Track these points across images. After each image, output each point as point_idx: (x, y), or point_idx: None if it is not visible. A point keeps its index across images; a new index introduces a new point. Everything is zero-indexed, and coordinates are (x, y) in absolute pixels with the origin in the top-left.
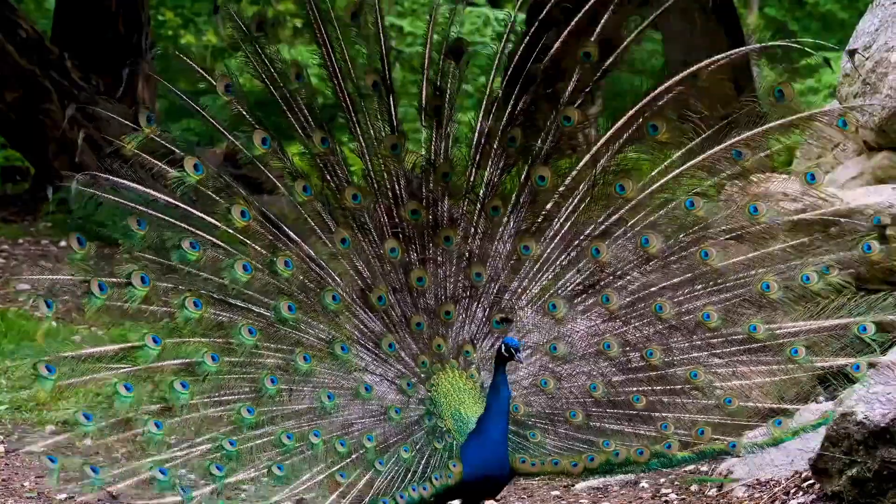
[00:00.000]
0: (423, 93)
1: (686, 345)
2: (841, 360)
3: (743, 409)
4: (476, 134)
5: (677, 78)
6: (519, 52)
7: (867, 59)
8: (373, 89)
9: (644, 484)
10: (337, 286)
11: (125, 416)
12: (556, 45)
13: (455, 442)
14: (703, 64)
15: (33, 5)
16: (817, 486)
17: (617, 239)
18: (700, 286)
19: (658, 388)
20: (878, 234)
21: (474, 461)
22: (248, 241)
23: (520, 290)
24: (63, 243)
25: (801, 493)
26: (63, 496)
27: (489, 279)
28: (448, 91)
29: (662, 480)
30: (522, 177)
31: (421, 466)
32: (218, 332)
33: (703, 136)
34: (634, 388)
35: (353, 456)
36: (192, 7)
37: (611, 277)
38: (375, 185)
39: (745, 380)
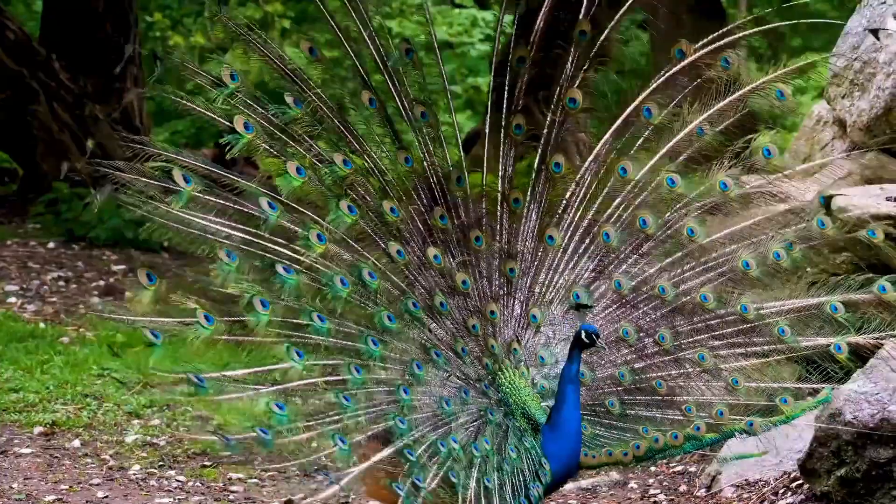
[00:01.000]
0: (403, 103)
1: (689, 328)
2: (822, 340)
3: (750, 389)
4: (482, 127)
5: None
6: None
7: (855, 59)
8: (370, 105)
9: (633, 484)
10: (412, 294)
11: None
12: (541, 24)
13: (535, 440)
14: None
15: (21, 7)
16: (806, 486)
17: (620, 222)
18: (689, 265)
19: (673, 372)
20: (826, 210)
21: (559, 456)
22: (330, 263)
23: (547, 281)
24: (51, 244)
25: (789, 493)
26: (51, 497)
27: (521, 273)
28: (416, 95)
29: (651, 481)
30: (535, 164)
31: (527, 465)
32: (349, 345)
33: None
34: (655, 374)
35: (479, 459)
36: (179, 9)
37: (617, 261)
38: (399, 199)
39: (744, 360)
